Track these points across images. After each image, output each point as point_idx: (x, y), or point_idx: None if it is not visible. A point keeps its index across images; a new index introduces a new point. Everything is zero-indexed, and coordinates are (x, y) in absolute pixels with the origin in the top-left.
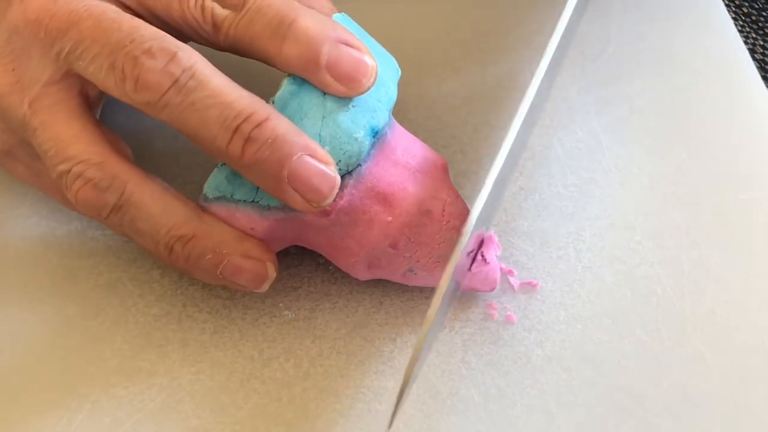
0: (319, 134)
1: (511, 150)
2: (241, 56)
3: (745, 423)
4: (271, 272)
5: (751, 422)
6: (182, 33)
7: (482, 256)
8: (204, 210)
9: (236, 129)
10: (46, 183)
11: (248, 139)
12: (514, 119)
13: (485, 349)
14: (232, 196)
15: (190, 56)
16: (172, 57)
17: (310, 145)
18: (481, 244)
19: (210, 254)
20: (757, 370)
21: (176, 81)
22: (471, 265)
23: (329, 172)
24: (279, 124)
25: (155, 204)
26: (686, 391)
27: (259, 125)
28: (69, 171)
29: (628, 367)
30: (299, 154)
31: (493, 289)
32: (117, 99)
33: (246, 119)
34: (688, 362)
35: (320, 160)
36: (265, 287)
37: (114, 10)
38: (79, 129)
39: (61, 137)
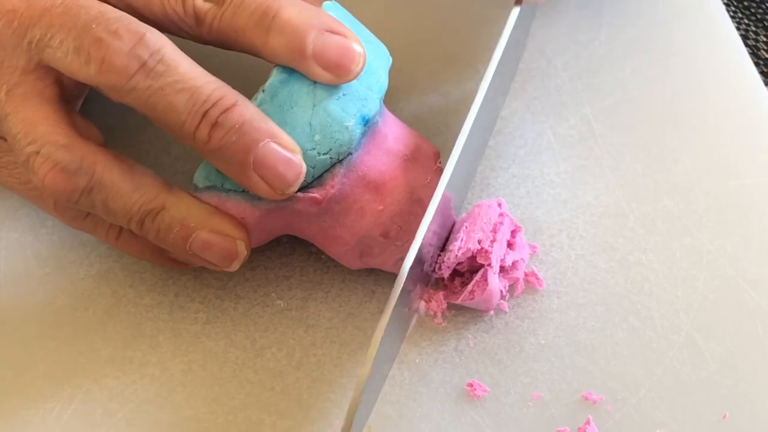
0: (310, 123)
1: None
2: (225, 49)
3: (738, 409)
4: (242, 250)
5: (744, 408)
6: (163, 28)
7: (484, 276)
8: None
9: (205, 114)
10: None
11: (215, 124)
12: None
13: (478, 338)
14: (222, 186)
15: (157, 39)
16: (140, 39)
17: (276, 131)
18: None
19: (178, 226)
20: (750, 356)
21: (144, 64)
22: (471, 285)
23: (294, 159)
24: (246, 110)
25: (126, 183)
26: (679, 377)
27: (226, 110)
28: (37, 153)
29: (621, 354)
30: (265, 141)
31: (489, 309)
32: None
33: (214, 104)
34: (681, 349)
35: (286, 147)
36: (236, 266)
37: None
38: (48, 112)
39: (30, 119)
